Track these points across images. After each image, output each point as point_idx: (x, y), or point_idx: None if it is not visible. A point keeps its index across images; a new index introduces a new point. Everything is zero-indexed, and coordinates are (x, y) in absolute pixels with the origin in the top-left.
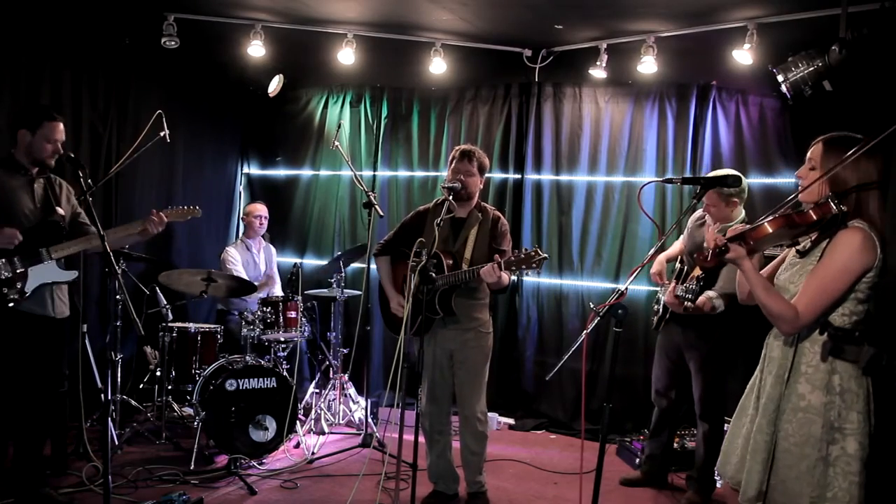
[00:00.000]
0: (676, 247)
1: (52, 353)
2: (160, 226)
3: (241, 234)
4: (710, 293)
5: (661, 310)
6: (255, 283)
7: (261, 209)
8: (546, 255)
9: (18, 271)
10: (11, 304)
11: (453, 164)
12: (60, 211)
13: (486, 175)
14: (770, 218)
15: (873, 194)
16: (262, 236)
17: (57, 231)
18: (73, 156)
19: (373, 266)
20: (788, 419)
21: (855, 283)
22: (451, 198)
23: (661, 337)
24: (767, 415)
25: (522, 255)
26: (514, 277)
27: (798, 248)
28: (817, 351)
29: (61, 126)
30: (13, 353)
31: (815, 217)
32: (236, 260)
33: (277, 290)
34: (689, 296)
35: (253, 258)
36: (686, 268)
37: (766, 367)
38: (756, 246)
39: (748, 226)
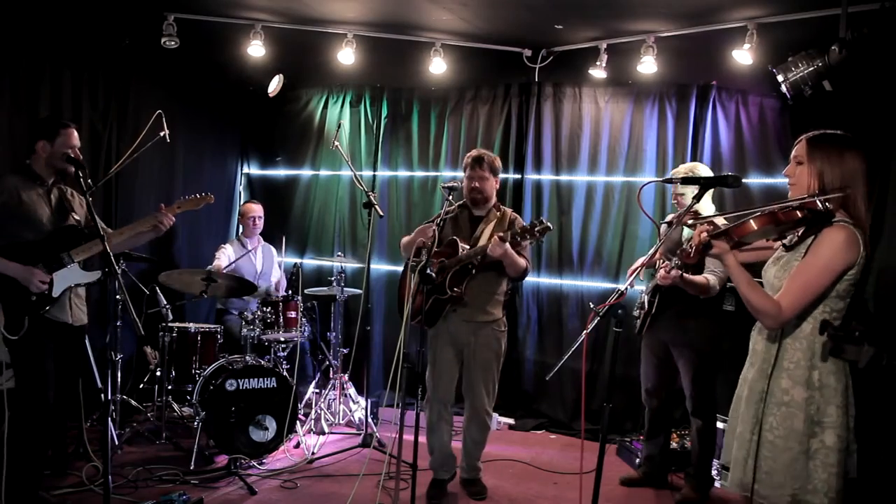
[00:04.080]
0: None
1: (70, 360)
2: (170, 220)
3: (239, 234)
4: (706, 275)
5: (643, 312)
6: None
7: (256, 208)
8: (550, 224)
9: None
10: (42, 311)
11: (468, 172)
12: (76, 216)
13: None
14: (756, 215)
15: (859, 194)
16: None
17: (76, 234)
18: (72, 156)
19: (373, 266)
20: (772, 412)
21: (837, 280)
22: (450, 197)
23: (647, 336)
24: (751, 406)
25: (526, 227)
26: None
27: (784, 241)
28: (798, 347)
29: (76, 132)
30: (30, 356)
31: (799, 215)
32: (223, 255)
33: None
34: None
35: (249, 257)
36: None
37: (749, 358)
38: (740, 242)
39: (731, 222)
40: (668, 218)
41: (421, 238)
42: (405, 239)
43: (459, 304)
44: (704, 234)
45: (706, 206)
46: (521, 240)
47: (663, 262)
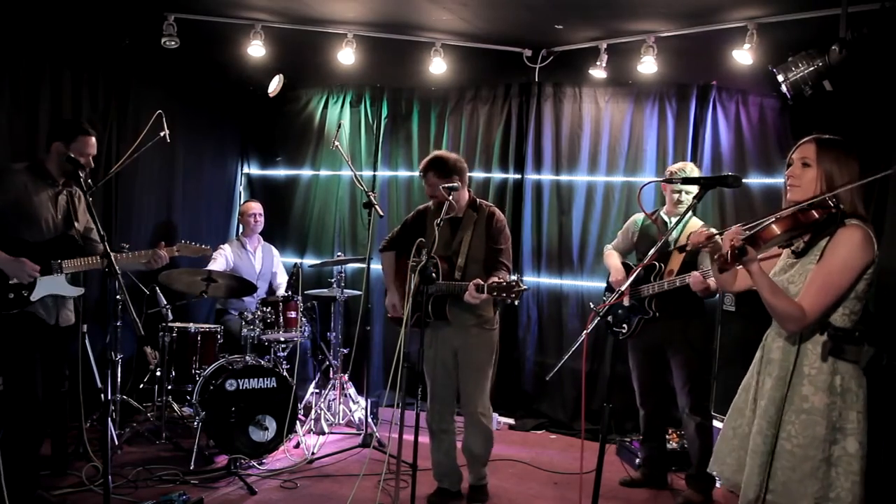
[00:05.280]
0: (615, 256)
1: (53, 359)
2: (166, 259)
3: (238, 233)
4: (710, 280)
5: (641, 318)
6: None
7: (256, 207)
8: (526, 287)
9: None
10: (15, 311)
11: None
12: (78, 226)
13: (488, 175)
14: (774, 219)
15: (858, 193)
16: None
17: (72, 246)
18: (72, 156)
19: (373, 266)
20: (791, 420)
21: (857, 280)
22: (450, 197)
23: (636, 341)
24: (768, 417)
25: (504, 283)
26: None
27: (792, 248)
28: (819, 352)
29: (94, 140)
30: (16, 355)
31: (817, 216)
32: (221, 255)
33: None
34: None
35: (248, 257)
36: (661, 265)
37: (763, 368)
38: (762, 248)
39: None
40: (642, 215)
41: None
42: (384, 262)
43: (445, 322)
44: (737, 241)
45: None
46: (496, 295)
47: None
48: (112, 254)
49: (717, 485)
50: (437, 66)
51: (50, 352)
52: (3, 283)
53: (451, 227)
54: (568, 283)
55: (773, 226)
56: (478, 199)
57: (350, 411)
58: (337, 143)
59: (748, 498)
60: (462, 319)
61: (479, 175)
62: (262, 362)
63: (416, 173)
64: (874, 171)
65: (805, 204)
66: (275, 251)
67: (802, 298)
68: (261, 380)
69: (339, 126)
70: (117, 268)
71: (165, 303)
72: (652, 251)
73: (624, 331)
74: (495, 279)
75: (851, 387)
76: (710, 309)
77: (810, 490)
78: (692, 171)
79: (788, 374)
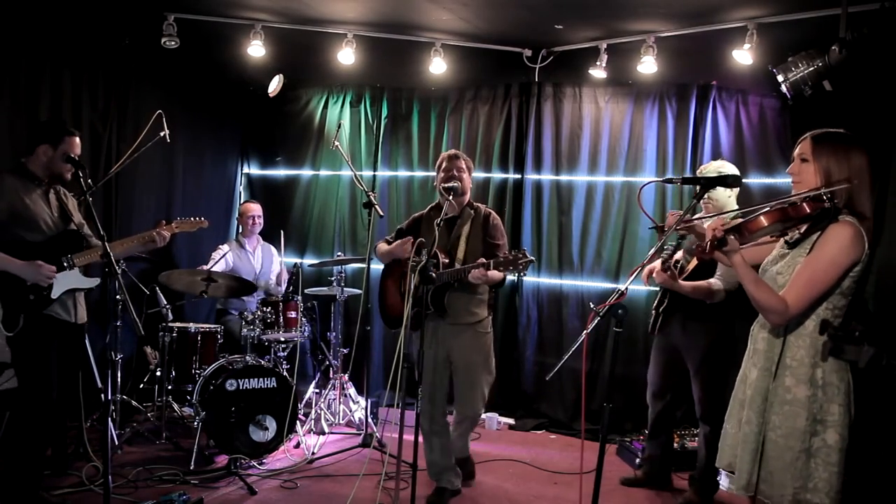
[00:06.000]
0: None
1: (70, 358)
2: (166, 239)
3: (238, 234)
4: (711, 280)
5: (657, 313)
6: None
7: (255, 208)
8: (532, 258)
9: None
10: (38, 311)
11: (444, 165)
12: (76, 219)
13: (488, 175)
14: (765, 211)
15: (864, 190)
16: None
17: (77, 240)
18: (73, 156)
19: (373, 266)
20: (776, 411)
21: (843, 276)
22: (451, 198)
23: (658, 338)
24: (755, 406)
25: (510, 257)
26: (512, 278)
27: (786, 238)
28: (801, 345)
29: (79, 140)
30: (34, 357)
31: (808, 210)
32: (219, 256)
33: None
34: (671, 247)
35: (248, 257)
36: (682, 264)
37: (751, 358)
38: (749, 238)
39: (741, 218)
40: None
41: (400, 251)
42: (383, 247)
43: (442, 314)
44: (719, 230)
45: (730, 205)
46: (503, 270)
47: (675, 262)
48: (113, 242)
49: (722, 486)
50: (437, 66)
51: (67, 351)
52: (20, 286)
53: (449, 226)
54: (568, 283)
55: (762, 217)
56: (473, 202)
57: (350, 411)
58: (337, 143)
59: (740, 484)
60: (458, 313)
61: (479, 175)
62: (262, 362)
63: (416, 173)
64: (875, 170)
65: (796, 198)
66: (274, 251)
67: (787, 292)
68: (261, 380)
69: (339, 126)
70: (123, 253)
71: (165, 303)
72: (652, 250)
73: (651, 325)
74: (500, 257)
75: (833, 380)
76: (728, 314)
77: (790, 480)
78: (719, 168)
79: (773, 364)
